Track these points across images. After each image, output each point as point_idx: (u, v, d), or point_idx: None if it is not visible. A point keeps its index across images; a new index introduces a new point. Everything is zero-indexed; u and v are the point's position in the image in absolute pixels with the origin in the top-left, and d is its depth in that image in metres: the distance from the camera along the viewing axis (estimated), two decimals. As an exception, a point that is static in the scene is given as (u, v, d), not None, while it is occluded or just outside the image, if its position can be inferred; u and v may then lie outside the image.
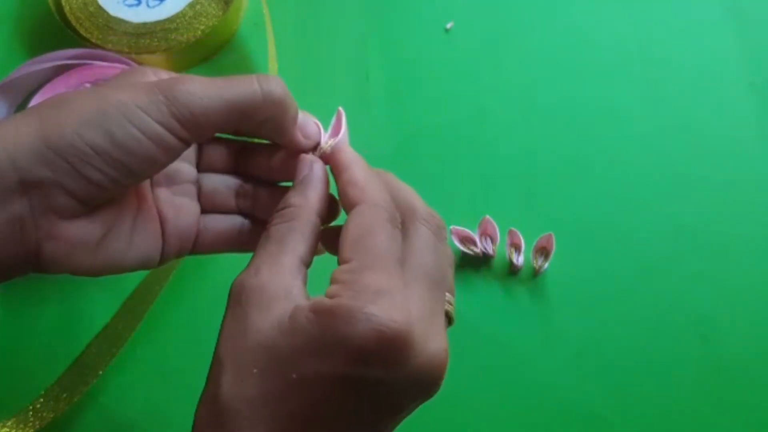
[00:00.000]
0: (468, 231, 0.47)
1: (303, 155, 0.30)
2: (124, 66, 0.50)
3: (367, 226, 0.26)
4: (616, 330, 0.46)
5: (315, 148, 0.31)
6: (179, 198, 0.31)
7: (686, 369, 0.45)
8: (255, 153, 0.32)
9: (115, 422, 0.44)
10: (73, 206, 0.26)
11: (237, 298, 0.26)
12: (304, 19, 0.56)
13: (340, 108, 0.32)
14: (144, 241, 0.29)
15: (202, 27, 0.52)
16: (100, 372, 0.43)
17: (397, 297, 0.24)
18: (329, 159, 0.30)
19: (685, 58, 0.55)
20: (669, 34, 0.56)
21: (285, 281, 0.26)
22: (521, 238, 0.47)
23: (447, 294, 0.28)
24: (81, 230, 0.27)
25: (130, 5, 0.53)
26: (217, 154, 0.33)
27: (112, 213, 0.28)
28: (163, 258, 0.31)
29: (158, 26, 0.52)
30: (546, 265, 0.47)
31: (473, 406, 0.44)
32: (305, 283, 0.27)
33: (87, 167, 0.25)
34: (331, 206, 0.31)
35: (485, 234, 0.48)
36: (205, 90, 0.26)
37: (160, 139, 0.26)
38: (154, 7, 0.53)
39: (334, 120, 0.32)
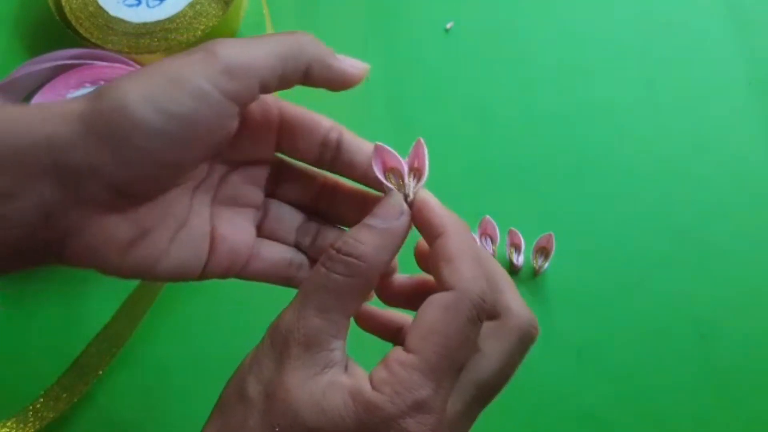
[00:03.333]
0: (468, 231, 0.47)
1: (395, 194, 0.27)
2: (124, 66, 0.50)
3: (446, 323, 0.25)
4: (616, 330, 0.46)
5: (401, 182, 0.28)
6: (239, 220, 0.30)
7: (686, 369, 0.45)
8: (335, 192, 0.31)
9: (115, 422, 0.44)
10: (109, 197, 0.25)
11: (280, 343, 0.25)
12: (304, 19, 0.56)
13: (421, 138, 0.28)
14: (182, 254, 0.28)
15: (202, 27, 0.52)
16: (100, 372, 0.43)
17: (434, 414, 0.24)
18: (414, 211, 0.27)
19: (685, 58, 0.55)
20: (669, 33, 0.56)
21: (330, 344, 0.25)
22: (521, 238, 0.47)
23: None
24: (112, 227, 0.25)
25: (130, 5, 0.53)
26: (295, 183, 0.31)
27: (151, 216, 0.27)
28: (205, 274, 0.29)
29: (158, 26, 0.52)
30: (546, 265, 0.47)
31: (473, 406, 0.44)
32: (347, 334, 0.27)
33: (129, 146, 0.24)
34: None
35: (485, 234, 0.48)
36: (244, 42, 0.26)
37: (206, 95, 0.24)
38: (154, 7, 0.53)
39: (412, 151, 0.28)
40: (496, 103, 0.53)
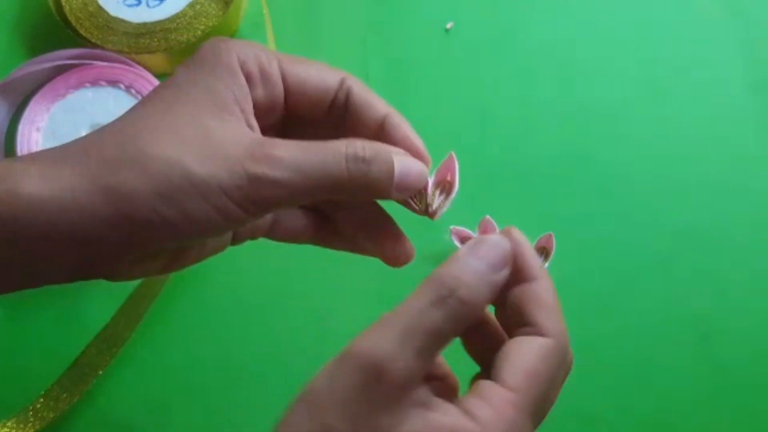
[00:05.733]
0: (468, 231, 0.47)
1: (501, 239, 0.27)
2: (124, 66, 0.50)
3: (550, 369, 0.25)
4: (615, 330, 0.46)
5: (419, 196, 0.28)
6: None
7: (686, 369, 0.45)
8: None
9: (115, 422, 0.44)
10: (133, 259, 0.26)
11: (370, 374, 0.23)
12: (304, 19, 0.56)
13: (452, 153, 0.28)
14: (212, 249, 0.30)
15: (202, 27, 0.52)
16: (100, 372, 0.43)
17: None
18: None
19: (685, 58, 0.55)
20: (669, 34, 0.56)
21: (420, 385, 0.25)
22: (521, 238, 0.47)
23: None
24: (148, 264, 0.27)
25: (130, 5, 0.53)
26: None
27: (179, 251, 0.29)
28: (234, 243, 0.31)
29: (158, 26, 0.52)
30: (546, 265, 0.47)
31: (473, 406, 0.44)
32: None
33: (155, 235, 0.25)
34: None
35: (485, 234, 0.47)
36: (291, 168, 0.25)
37: (232, 215, 0.25)
38: (154, 7, 0.53)
39: (442, 165, 0.28)
40: (496, 103, 0.53)
